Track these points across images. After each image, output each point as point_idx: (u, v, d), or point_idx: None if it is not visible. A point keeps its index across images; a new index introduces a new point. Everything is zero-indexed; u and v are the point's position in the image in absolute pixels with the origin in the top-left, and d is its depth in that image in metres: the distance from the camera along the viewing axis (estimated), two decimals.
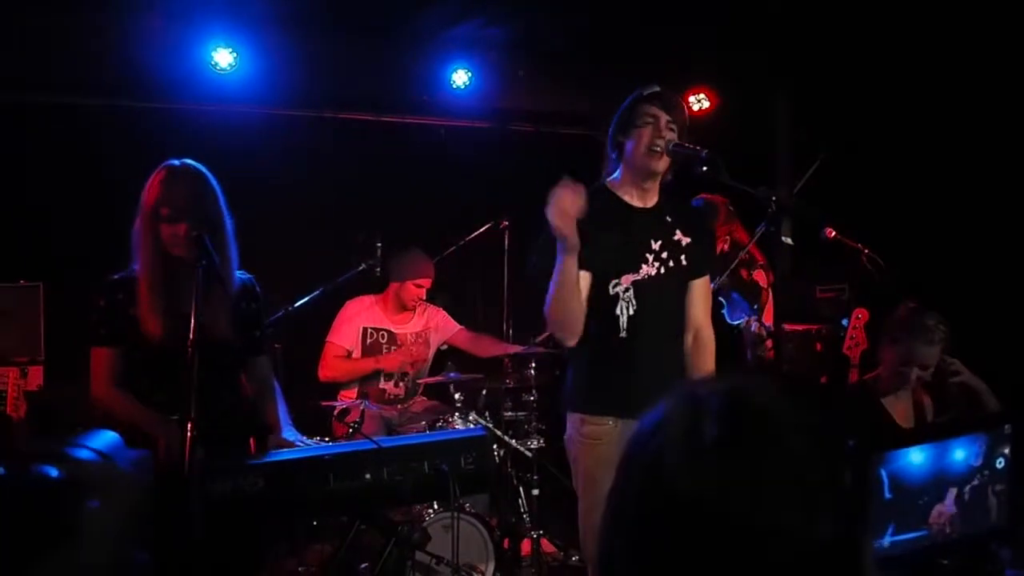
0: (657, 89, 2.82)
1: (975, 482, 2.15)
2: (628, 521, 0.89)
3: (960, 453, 2.13)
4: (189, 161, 2.76)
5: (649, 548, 0.86)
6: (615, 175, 2.92)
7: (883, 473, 1.99)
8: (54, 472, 1.14)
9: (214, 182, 2.76)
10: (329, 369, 4.76)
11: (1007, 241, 4.64)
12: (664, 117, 2.77)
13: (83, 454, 1.22)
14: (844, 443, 0.88)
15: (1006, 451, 2.18)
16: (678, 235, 2.89)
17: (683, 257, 2.88)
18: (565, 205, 2.50)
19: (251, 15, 4.92)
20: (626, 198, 2.88)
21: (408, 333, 4.84)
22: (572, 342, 2.78)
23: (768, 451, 0.84)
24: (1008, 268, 4.58)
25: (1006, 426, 2.20)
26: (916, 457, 2.05)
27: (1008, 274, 4.58)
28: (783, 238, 2.43)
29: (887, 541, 2.03)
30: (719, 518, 0.82)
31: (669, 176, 2.90)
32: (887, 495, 2.01)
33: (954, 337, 3.29)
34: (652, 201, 2.90)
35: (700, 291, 2.96)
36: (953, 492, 2.11)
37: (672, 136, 2.77)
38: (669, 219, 2.90)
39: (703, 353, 2.94)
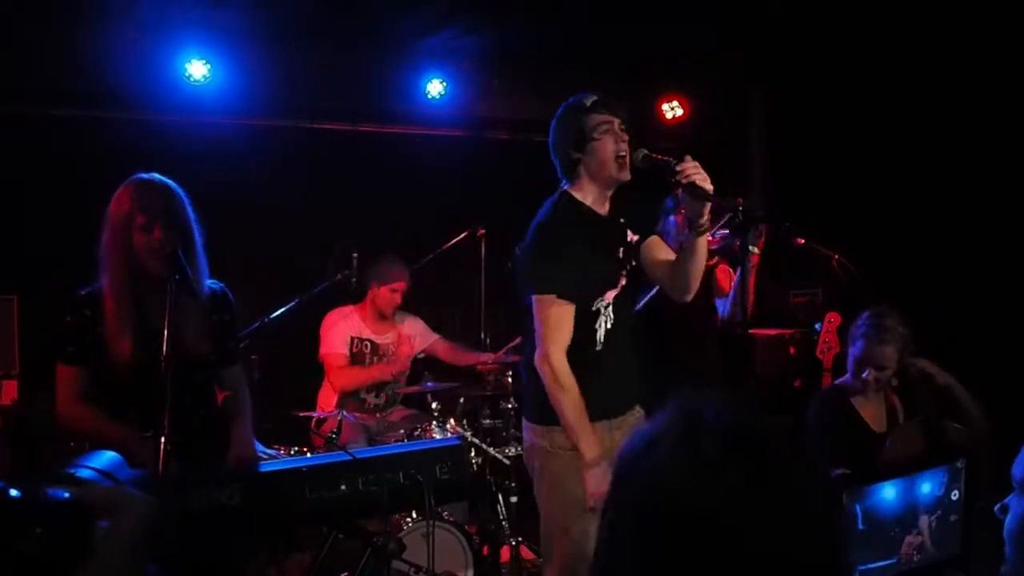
0: (597, 97, 2.76)
1: (939, 512, 2.23)
2: (625, 534, 0.90)
3: (927, 486, 2.22)
4: (156, 175, 2.77)
5: (647, 560, 0.87)
6: (573, 187, 2.83)
7: (857, 507, 2.06)
8: (65, 495, 1.15)
9: (183, 194, 2.77)
10: (343, 378, 4.64)
11: (983, 244, 4.70)
12: (616, 121, 2.72)
13: (88, 475, 1.23)
14: (831, 475, 0.91)
15: (959, 484, 2.28)
16: (629, 235, 2.87)
17: (634, 259, 2.88)
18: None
19: (224, 26, 4.92)
20: (594, 208, 2.82)
21: (390, 343, 4.84)
22: None
23: (766, 474, 0.86)
24: (984, 272, 4.63)
25: (959, 461, 2.30)
26: (888, 492, 2.13)
27: (984, 278, 4.63)
28: (749, 247, 2.46)
29: (857, 570, 2.10)
30: (718, 534, 0.83)
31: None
32: (860, 527, 2.08)
33: (926, 342, 3.31)
34: (609, 206, 2.85)
35: (658, 247, 2.90)
36: (923, 521, 2.20)
37: (625, 138, 2.71)
38: (622, 220, 2.87)
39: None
